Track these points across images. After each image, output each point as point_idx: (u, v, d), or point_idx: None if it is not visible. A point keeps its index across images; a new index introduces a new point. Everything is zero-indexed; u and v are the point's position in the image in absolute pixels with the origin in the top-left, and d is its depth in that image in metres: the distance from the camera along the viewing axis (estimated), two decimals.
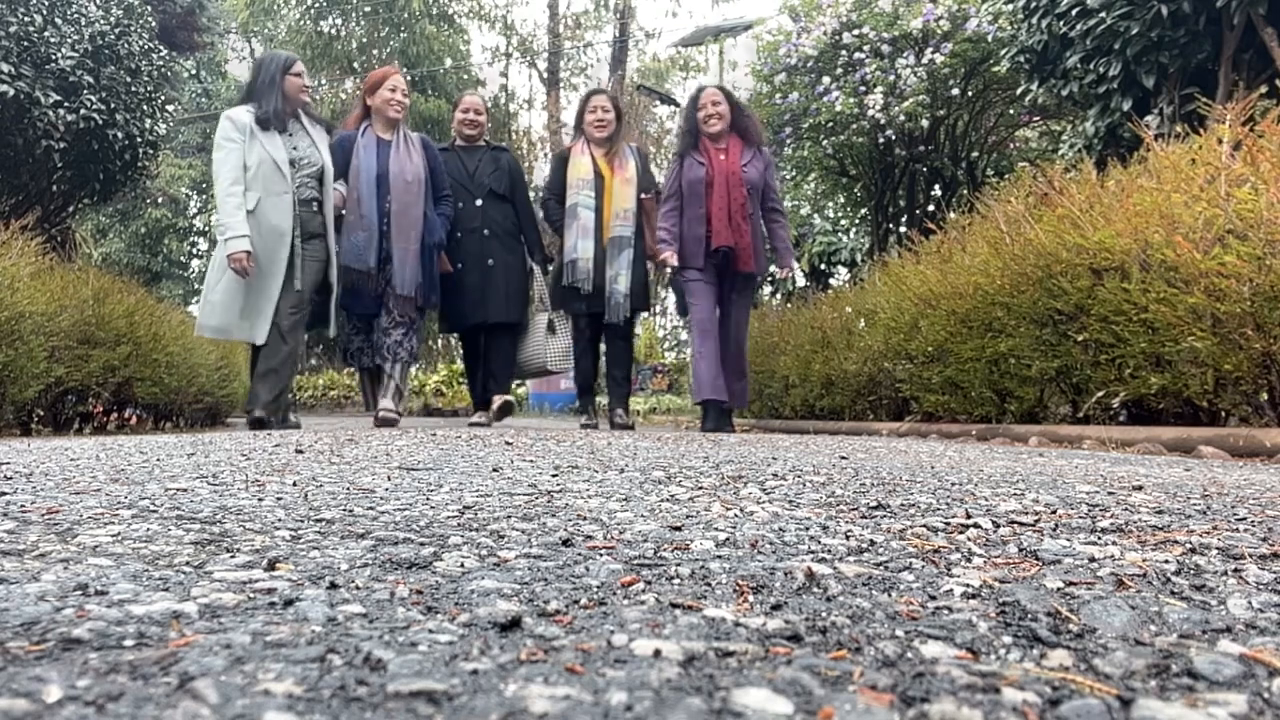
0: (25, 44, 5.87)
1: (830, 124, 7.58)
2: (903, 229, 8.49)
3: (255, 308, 4.19)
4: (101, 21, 6.41)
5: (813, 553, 0.77)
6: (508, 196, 4.99)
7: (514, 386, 15.34)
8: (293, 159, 4.29)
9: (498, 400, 5.02)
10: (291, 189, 4.25)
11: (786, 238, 4.82)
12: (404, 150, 4.68)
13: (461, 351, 5.54)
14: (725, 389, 4.55)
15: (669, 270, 4.91)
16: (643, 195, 4.97)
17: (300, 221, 4.29)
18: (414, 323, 4.70)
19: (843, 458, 1.89)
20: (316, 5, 16.46)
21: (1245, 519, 0.98)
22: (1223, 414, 2.85)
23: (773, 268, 4.88)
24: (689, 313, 4.74)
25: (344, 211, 4.53)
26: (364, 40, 16.57)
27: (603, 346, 5.25)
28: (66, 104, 6.01)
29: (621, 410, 5.13)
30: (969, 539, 0.84)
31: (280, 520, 0.90)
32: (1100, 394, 3.13)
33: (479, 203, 4.92)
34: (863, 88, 7.41)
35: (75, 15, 6.26)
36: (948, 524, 0.92)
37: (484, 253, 4.88)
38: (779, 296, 12.33)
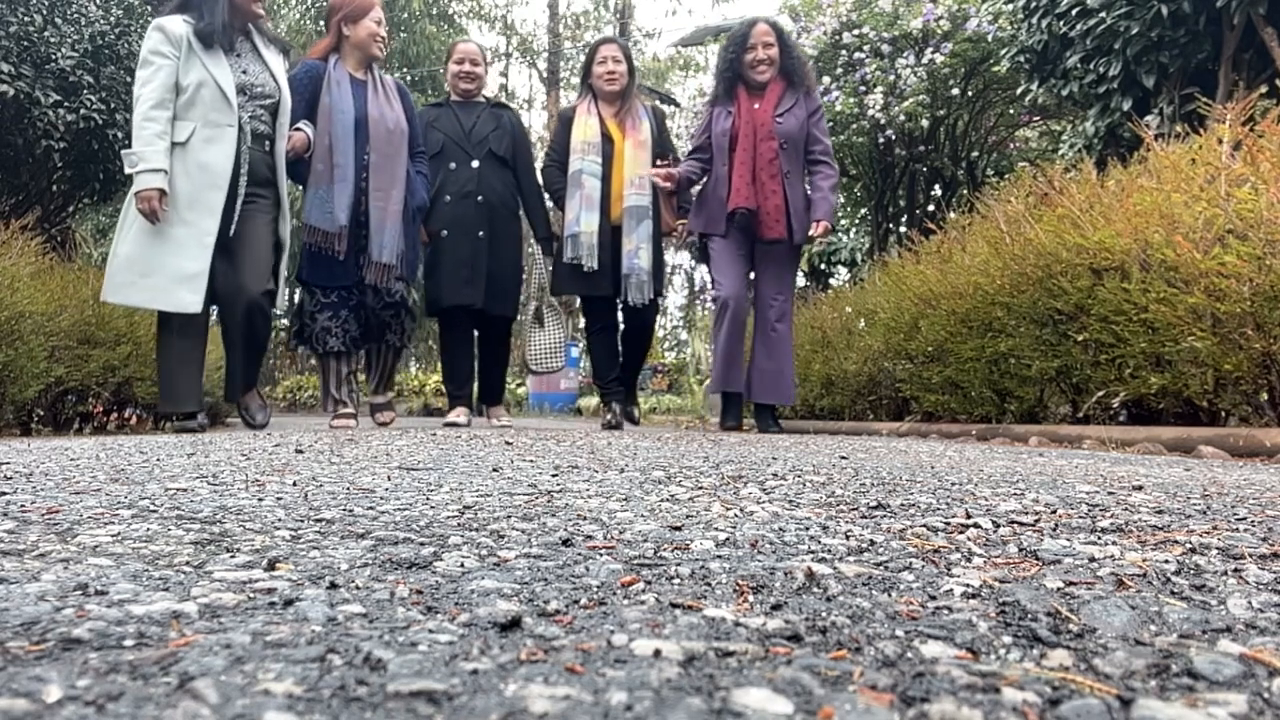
0: (25, 44, 5.87)
1: (830, 124, 7.58)
2: (903, 229, 8.49)
3: (170, 267, 3.31)
4: (101, 21, 6.41)
5: (813, 553, 0.77)
6: (509, 162, 4.31)
7: (515, 387, 15.33)
8: (241, 84, 3.48)
9: (495, 419, 4.45)
10: (237, 121, 3.43)
11: (829, 190, 4.07)
12: (382, 94, 3.97)
13: (439, 340, 4.72)
14: (738, 379, 4.00)
15: (686, 235, 4.31)
16: (659, 162, 4.24)
17: (248, 163, 3.48)
18: (404, 300, 4.09)
19: (843, 457, 1.89)
20: (317, 5, 16.46)
21: (1245, 519, 0.98)
22: (1223, 414, 2.85)
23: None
24: (712, 283, 4.11)
25: (307, 159, 3.79)
26: None
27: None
28: (66, 104, 6.01)
29: (623, 406, 4.46)
30: (969, 539, 0.84)
31: (280, 520, 0.90)
32: (1100, 394, 3.13)
33: (475, 165, 4.21)
34: (863, 88, 7.41)
35: (75, 15, 6.26)
36: (948, 524, 0.92)
37: (477, 223, 4.18)
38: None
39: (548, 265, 4.44)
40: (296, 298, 4.22)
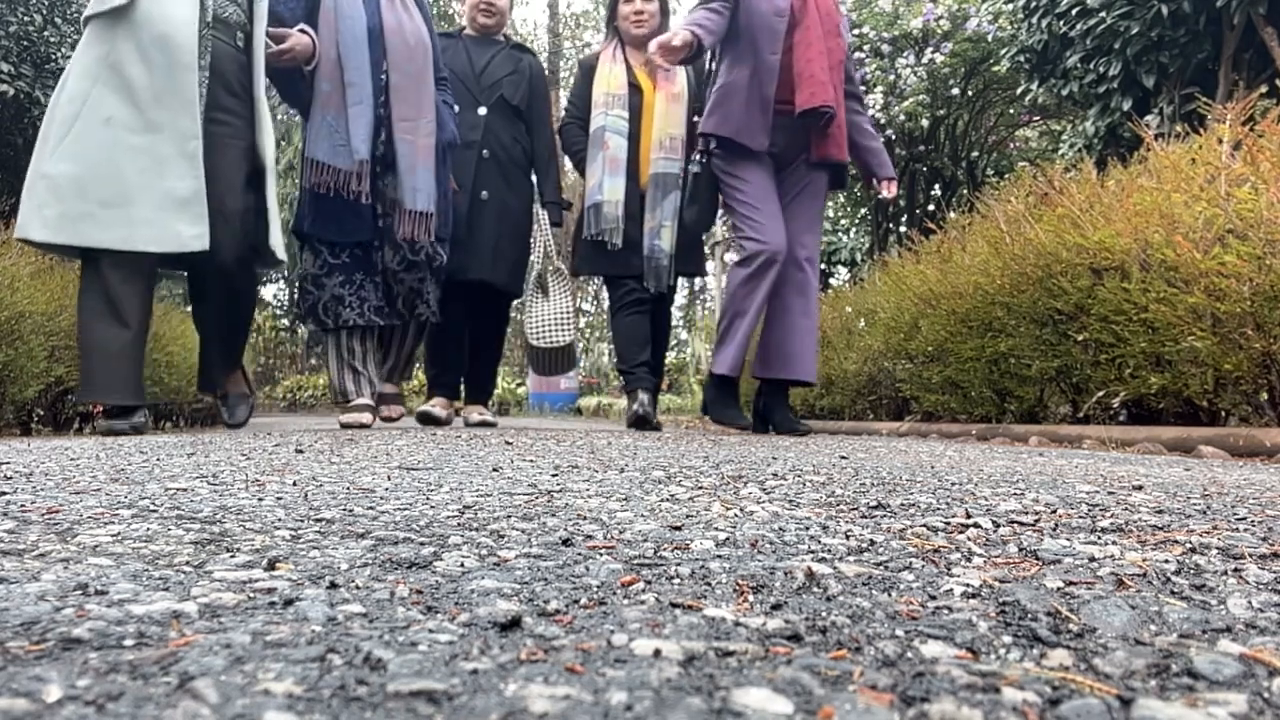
0: (25, 44, 5.87)
1: None
2: (903, 228, 8.49)
3: (152, 191, 2.42)
4: None
5: (813, 552, 0.77)
6: (522, 112, 3.67)
7: (515, 386, 15.31)
8: None
9: (475, 415, 3.79)
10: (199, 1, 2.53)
11: (878, 139, 3.40)
12: (398, 1, 3.18)
13: None
14: (735, 361, 3.20)
15: (700, 155, 3.35)
16: (695, 119, 3.61)
17: (213, 64, 2.58)
18: (433, 261, 3.28)
19: (843, 457, 1.89)
20: None
21: (1245, 519, 0.98)
22: (1223, 414, 2.85)
23: (880, 189, 3.39)
24: (741, 231, 3.10)
25: (309, 74, 3.00)
26: None
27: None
28: None
29: (653, 396, 3.79)
30: (969, 539, 0.84)
31: (280, 520, 0.90)
32: (1100, 394, 3.13)
33: (482, 111, 3.58)
34: (863, 87, 7.42)
35: (75, 15, 6.26)
36: (948, 524, 0.92)
37: (479, 180, 3.56)
38: None
39: (556, 236, 3.88)
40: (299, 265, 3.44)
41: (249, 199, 2.78)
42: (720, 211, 3.64)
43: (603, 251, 3.60)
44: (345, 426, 3.16)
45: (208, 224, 2.53)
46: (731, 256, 3.68)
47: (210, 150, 2.60)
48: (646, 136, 3.61)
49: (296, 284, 3.38)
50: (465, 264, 3.51)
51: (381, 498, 1.09)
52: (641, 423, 3.62)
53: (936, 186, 9.14)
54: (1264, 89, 4.20)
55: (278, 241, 2.85)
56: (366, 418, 3.23)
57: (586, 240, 3.62)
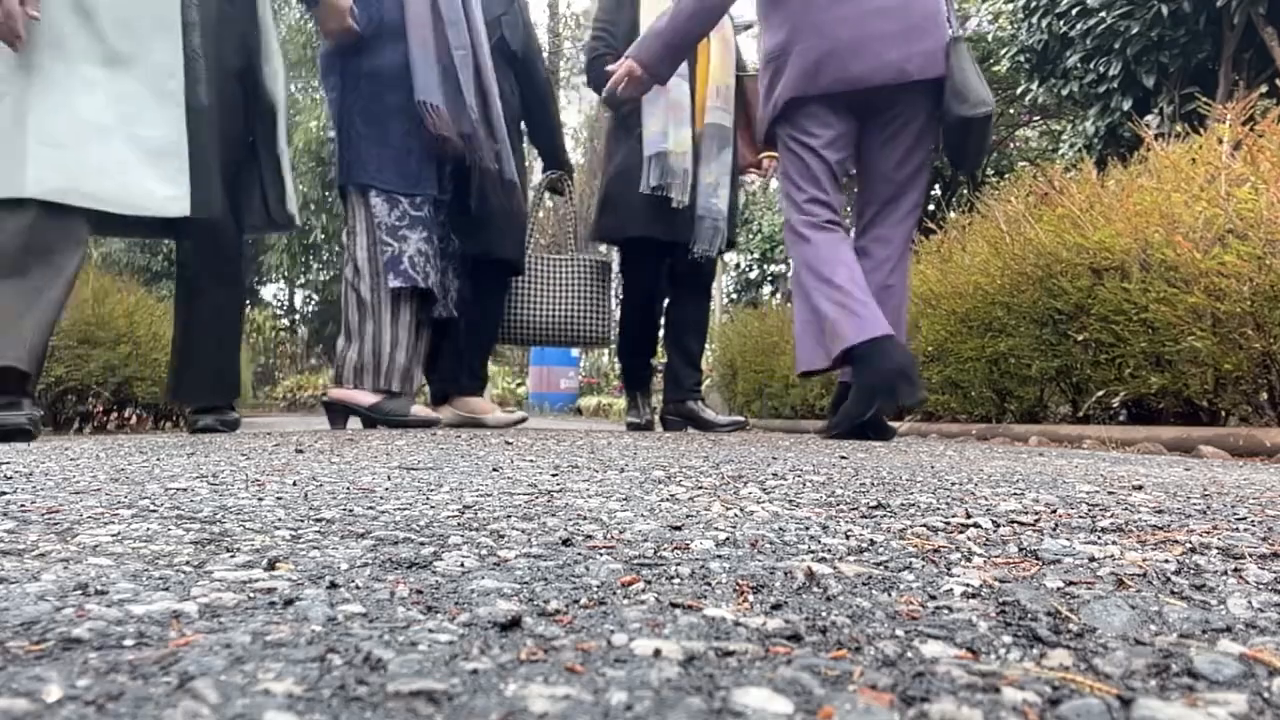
0: None
1: None
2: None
3: (117, 138, 1.91)
4: None
5: (813, 552, 0.77)
6: (516, 57, 3.12)
7: (515, 386, 15.30)
8: None
9: (495, 417, 3.26)
10: None
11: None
12: None
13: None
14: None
15: (765, 164, 3.09)
16: (740, 74, 3.29)
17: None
18: (450, 247, 3.00)
19: (843, 457, 1.89)
20: None
21: (1245, 519, 0.98)
22: (1223, 414, 2.85)
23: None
24: (796, 214, 2.61)
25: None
26: None
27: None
28: None
29: (691, 401, 3.33)
30: (969, 538, 0.84)
31: (280, 520, 0.90)
32: (1100, 393, 3.13)
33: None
34: None
35: None
36: (948, 523, 0.92)
37: None
38: (779, 296, 12.32)
39: (563, 210, 3.32)
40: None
41: (244, 141, 2.32)
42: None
43: (659, 210, 3.09)
44: (419, 425, 2.77)
45: (188, 186, 1.99)
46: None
47: (197, 85, 2.06)
48: (702, 83, 3.22)
49: (360, 237, 2.77)
50: (488, 241, 3.07)
51: (381, 497, 1.09)
52: (639, 430, 3.34)
53: (936, 186, 9.14)
54: (1264, 89, 4.20)
55: (292, 200, 2.47)
56: (429, 413, 2.87)
57: (637, 195, 3.08)
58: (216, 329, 2.37)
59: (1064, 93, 5.79)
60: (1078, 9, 5.31)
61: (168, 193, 1.98)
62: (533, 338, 3.46)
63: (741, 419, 3.69)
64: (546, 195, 3.44)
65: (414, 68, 2.69)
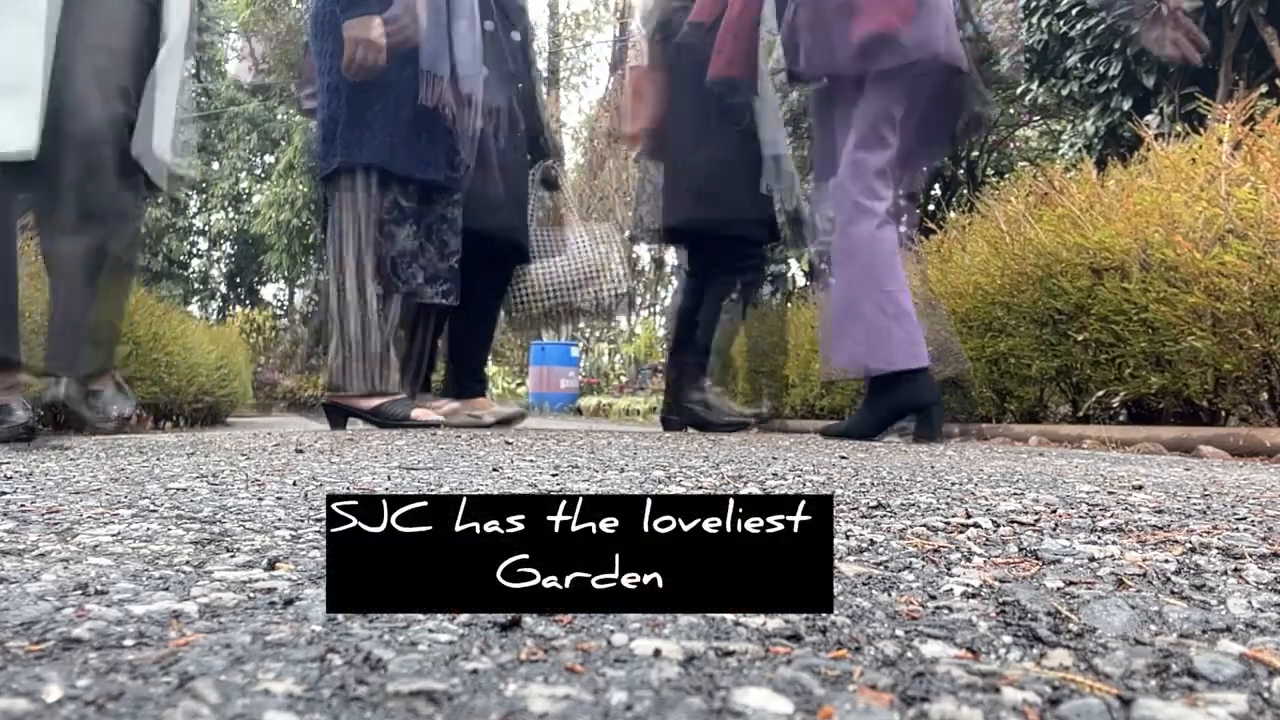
0: None
1: None
2: (903, 228, 8.48)
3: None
4: None
5: None
6: (516, 28, 2.92)
7: (515, 386, 15.29)
8: None
9: (493, 411, 3.06)
10: None
11: None
12: None
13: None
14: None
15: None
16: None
17: None
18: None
19: (843, 457, 1.89)
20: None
21: (1245, 519, 0.98)
22: (1223, 414, 2.85)
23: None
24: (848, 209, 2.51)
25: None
26: None
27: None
28: None
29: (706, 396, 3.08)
30: (969, 538, 0.84)
31: (280, 520, 0.90)
32: (1100, 393, 3.13)
33: (489, 25, 2.76)
34: None
35: None
36: (948, 523, 0.92)
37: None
38: (779, 295, 12.32)
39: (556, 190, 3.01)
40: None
41: (137, 56, 1.88)
42: None
43: (759, 211, 2.90)
44: (416, 424, 2.58)
45: (39, 121, 1.62)
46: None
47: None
48: None
49: (345, 231, 2.56)
50: (503, 222, 2.85)
51: None
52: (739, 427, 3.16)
53: (936, 186, 9.14)
54: (1264, 89, 4.20)
55: (163, 144, 1.95)
56: (434, 416, 2.63)
57: (733, 190, 2.85)
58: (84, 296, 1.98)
59: (1064, 92, 5.79)
60: (1078, 9, 5.31)
61: (14, 130, 1.64)
62: (543, 300, 3.20)
63: (754, 413, 3.52)
64: (545, 194, 3.21)
65: (423, 35, 2.50)
